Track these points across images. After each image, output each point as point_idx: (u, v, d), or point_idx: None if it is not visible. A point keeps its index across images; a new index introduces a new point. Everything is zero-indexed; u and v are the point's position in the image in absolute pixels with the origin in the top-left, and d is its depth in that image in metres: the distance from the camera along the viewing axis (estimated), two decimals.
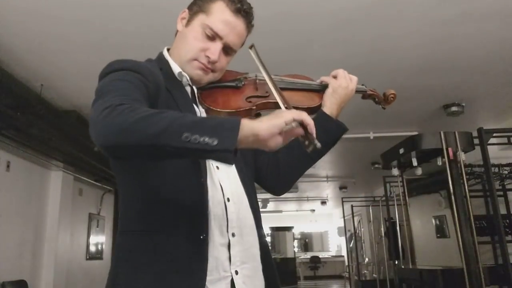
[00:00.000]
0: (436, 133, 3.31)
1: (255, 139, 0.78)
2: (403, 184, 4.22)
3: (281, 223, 13.73)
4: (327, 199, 10.98)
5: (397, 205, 4.89)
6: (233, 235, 0.98)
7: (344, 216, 8.84)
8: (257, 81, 1.17)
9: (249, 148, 0.83)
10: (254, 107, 1.11)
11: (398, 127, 4.89)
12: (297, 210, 14.17)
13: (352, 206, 8.59)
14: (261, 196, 8.68)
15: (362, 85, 1.30)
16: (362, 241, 9.88)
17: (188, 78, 1.07)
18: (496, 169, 3.84)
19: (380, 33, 2.91)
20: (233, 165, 1.06)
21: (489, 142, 3.25)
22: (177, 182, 0.95)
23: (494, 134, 3.43)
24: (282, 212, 14.19)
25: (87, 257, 6.26)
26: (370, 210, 8.18)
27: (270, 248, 1.16)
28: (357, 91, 1.26)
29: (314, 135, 0.83)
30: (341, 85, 1.19)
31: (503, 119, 4.67)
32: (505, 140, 3.55)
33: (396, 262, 5.62)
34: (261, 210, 1.15)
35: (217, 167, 1.02)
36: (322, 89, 1.22)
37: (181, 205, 0.94)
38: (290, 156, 1.19)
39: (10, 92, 3.39)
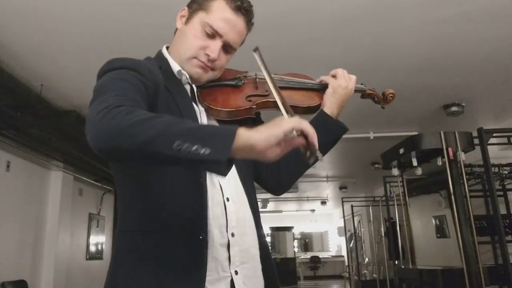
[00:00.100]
0: (436, 133, 3.31)
1: (251, 150, 0.74)
2: (403, 184, 4.22)
3: (281, 223, 13.73)
4: (327, 199, 10.98)
5: (397, 205, 4.88)
6: (232, 235, 0.98)
7: (344, 216, 8.84)
8: (257, 80, 1.16)
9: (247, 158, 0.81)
10: (254, 106, 1.11)
11: (398, 127, 4.89)
12: (297, 210, 14.17)
13: (352, 206, 8.59)
14: (261, 196, 8.68)
15: (361, 84, 1.30)
16: (362, 241, 9.87)
17: (188, 77, 1.06)
18: (496, 169, 3.83)
19: (380, 32, 2.91)
20: (234, 165, 1.06)
21: (489, 142, 3.24)
22: (176, 182, 0.95)
23: (494, 134, 3.42)
24: (282, 212, 14.18)
25: (87, 257, 6.26)
26: (370, 210, 8.18)
27: (270, 248, 1.15)
28: (356, 90, 1.26)
29: (316, 146, 0.78)
30: (341, 84, 1.19)
31: (503, 119, 4.67)
32: (505, 140, 3.55)
33: (396, 262, 5.62)
34: (261, 210, 1.14)
35: None
36: (322, 88, 1.22)
37: (180, 205, 0.94)
38: (290, 156, 1.19)
39: (10, 92, 3.39)
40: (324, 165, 7.15)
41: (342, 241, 13.61)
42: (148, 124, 0.73)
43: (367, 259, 9.56)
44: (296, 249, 14.44)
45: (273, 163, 1.20)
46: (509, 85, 3.77)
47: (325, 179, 8.20)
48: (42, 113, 3.79)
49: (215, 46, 1.04)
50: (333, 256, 14.87)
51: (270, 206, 11.41)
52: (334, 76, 1.21)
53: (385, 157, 4.07)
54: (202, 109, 1.08)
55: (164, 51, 1.12)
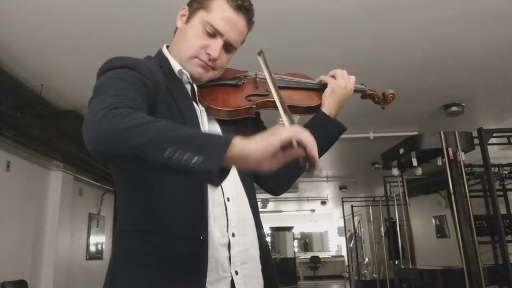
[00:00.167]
0: (436, 133, 3.31)
1: (246, 161, 0.71)
2: (403, 184, 4.22)
3: (281, 223, 13.73)
4: (327, 199, 10.98)
5: (397, 205, 4.88)
6: (233, 235, 0.98)
7: (344, 216, 8.84)
8: (257, 79, 1.16)
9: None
10: (254, 106, 1.11)
11: (398, 127, 4.89)
12: (297, 210, 14.17)
13: (352, 206, 8.59)
14: (261, 196, 8.67)
15: (361, 84, 1.30)
16: (362, 241, 9.88)
17: (188, 76, 1.06)
18: (496, 169, 3.84)
19: (380, 32, 2.91)
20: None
21: (489, 142, 3.25)
22: (176, 182, 0.94)
23: (494, 134, 3.43)
24: (282, 212, 14.19)
25: (87, 257, 6.26)
26: (370, 210, 8.18)
27: (270, 248, 1.15)
28: (356, 91, 1.26)
29: (316, 157, 0.74)
30: (340, 85, 1.19)
31: (503, 119, 4.67)
32: (505, 140, 3.55)
33: (396, 262, 5.62)
34: (261, 210, 1.14)
35: None
36: (321, 88, 1.22)
37: (180, 205, 0.93)
38: None
39: (10, 92, 3.39)
40: (324, 165, 7.15)
41: (342, 241, 13.61)
42: (144, 128, 0.71)
43: (367, 259, 9.56)
44: (296, 249, 14.44)
45: None
46: (509, 85, 3.77)
47: (325, 179, 8.20)
48: (42, 113, 3.79)
49: (216, 45, 1.03)
50: (333, 256, 14.87)
51: (270, 206, 11.41)
52: (333, 76, 1.21)
53: (385, 157, 4.07)
54: (202, 108, 1.08)
55: (165, 50, 1.12)
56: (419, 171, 3.79)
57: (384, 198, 5.60)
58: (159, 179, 0.95)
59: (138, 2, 2.49)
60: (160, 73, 1.01)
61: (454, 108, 4.20)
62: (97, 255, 6.57)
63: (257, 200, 1.15)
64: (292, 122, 0.93)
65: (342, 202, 8.38)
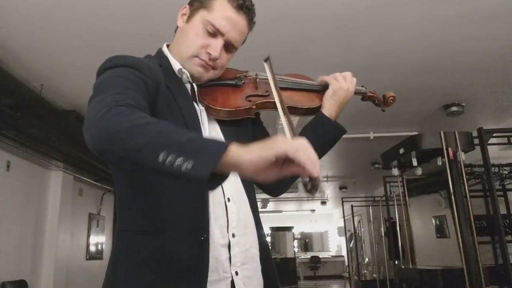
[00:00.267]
0: (436, 133, 3.31)
1: (240, 170, 0.70)
2: (403, 184, 4.22)
3: (281, 223, 13.73)
4: (327, 199, 10.99)
5: (397, 205, 4.88)
6: (233, 235, 0.97)
7: (344, 216, 8.84)
8: (258, 80, 1.16)
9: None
10: (254, 106, 1.11)
11: (398, 127, 4.89)
12: (297, 210, 14.18)
13: (352, 206, 8.59)
14: (261, 196, 8.66)
15: (362, 86, 1.30)
16: (362, 241, 9.88)
17: (188, 75, 1.06)
18: (496, 169, 3.84)
19: (380, 33, 2.90)
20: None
21: (489, 142, 3.24)
22: (176, 182, 0.93)
23: (494, 134, 3.42)
24: (282, 212, 14.19)
25: (87, 257, 6.26)
26: (370, 210, 8.18)
27: (270, 248, 1.15)
28: (357, 93, 1.26)
29: (318, 176, 0.70)
30: (342, 87, 1.18)
31: (503, 119, 4.67)
32: (505, 140, 3.55)
33: (396, 262, 5.62)
34: (261, 210, 1.14)
35: None
36: (322, 90, 1.22)
37: (180, 205, 0.93)
38: None
39: (10, 92, 3.39)
40: (324, 165, 7.15)
41: (342, 241, 13.60)
42: (141, 130, 0.71)
43: (367, 259, 9.56)
44: (296, 249, 14.43)
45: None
46: (509, 85, 3.77)
47: (325, 179, 8.20)
48: (42, 113, 3.79)
49: (216, 44, 1.03)
50: (333, 256, 14.87)
51: (270, 206, 11.41)
52: (334, 78, 1.21)
53: (385, 157, 4.07)
54: (202, 108, 1.08)
55: (165, 49, 1.11)
56: (419, 171, 3.79)
57: (384, 198, 5.60)
58: (159, 179, 0.94)
59: (138, 2, 2.49)
60: (160, 72, 1.01)
61: (454, 108, 4.20)
62: (97, 255, 6.57)
63: (257, 200, 1.15)
64: (291, 125, 0.92)
65: (342, 202, 8.38)
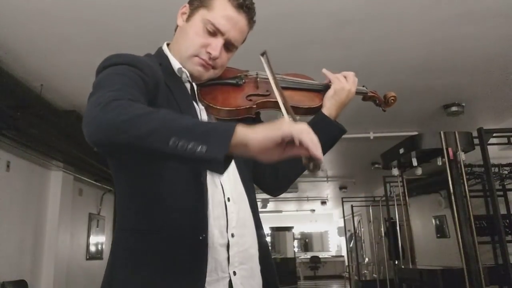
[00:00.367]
0: (436, 133, 3.31)
1: (246, 150, 0.71)
2: (403, 184, 4.21)
3: (281, 223, 13.73)
4: (327, 199, 10.99)
5: (397, 205, 4.88)
6: (232, 235, 0.97)
7: (344, 216, 8.84)
8: (258, 79, 1.16)
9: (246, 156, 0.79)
10: (254, 106, 1.10)
11: (398, 127, 4.89)
12: (297, 210, 14.17)
13: (352, 206, 8.59)
14: (261, 196, 8.66)
15: (363, 86, 1.30)
16: (362, 241, 9.88)
17: (188, 75, 1.06)
18: (496, 169, 3.83)
19: (380, 33, 2.91)
20: (234, 164, 1.05)
21: (489, 142, 3.24)
22: (176, 182, 0.94)
23: (494, 134, 3.43)
24: (282, 212, 14.19)
25: (87, 257, 6.26)
26: (370, 210, 8.18)
27: (270, 248, 1.15)
28: (358, 93, 1.26)
29: (321, 158, 0.72)
30: (344, 87, 1.18)
31: (503, 119, 4.67)
32: (505, 140, 3.55)
33: (396, 262, 5.62)
34: (261, 210, 1.14)
35: None
36: (323, 89, 1.22)
37: (179, 205, 0.93)
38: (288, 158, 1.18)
39: (10, 92, 3.39)
40: (324, 165, 7.14)
41: (342, 241, 13.61)
42: (146, 118, 0.71)
43: (367, 259, 9.56)
44: (296, 249, 14.44)
45: (271, 164, 1.21)
46: (509, 85, 3.77)
47: (325, 179, 8.20)
48: (42, 113, 3.79)
49: (216, 44, 1.03)
50: (333, 256, 14.88)
51: (270, 206, 11.41)
52: (337, 78, 1.20)
53: (385, 157, 4.07)
54: (202, 107, 1.08)
55: (165, 48, 1.11)
56: (419, 171, 3.79)
57: (384, 198, 5.60)
58: (159, 179, 0.94)
59: (138, 2, 2.49)
60: (160, 70, 1.00)
61: (454, 108, 4.20)
62: (97, 255, 6.57)
63: (257, 200, 1.15)
64: (292, 115, 0.92)
65: (342, 202, 8.37)
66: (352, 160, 6.86)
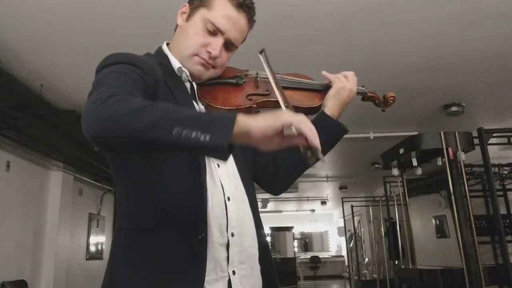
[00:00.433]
0: (436, 133, 3.31)
1: (247, 137, 0.74)
2: (403, 184, 4.21)
3: (281, 223, 13.73)
4: (327, 199, 10.98)
5: (397, 205, 4.88)
6: (232, 235, 0.97)
7: (344, 216, 8.84)
8: (258, 79, 1.16)
9: (246, 146, 0.79)
10: (254, 105, 1.11)
11: (398, 127, 4.89)
12: (297, 210, 14.17)
13: (352, 206, 8.59)
14: (261, 196, 8.67)
15: (362, 86, 1.30)
16: (362, 241, 9.88)
17: (188, 74, 1.06)
18: (496, 169, 3.84)
19: (380, 33, 2.91)
20: (234, 163, 1.06)
21: (489, 142, 3.24)
22: (176, 181, 0.94)
23: (494, 134, 3.43)
24: (282, 212, 14.19)
25: (87, 257, 6.26)
26: (370, 210, 8.18)
27: (270, 248, 1.15)
28: (358, 93, 1.26)
29: (318, 147, 0.75)
30: (345, 87, 1.18)
31: (503, 119, 4.67)
32: (505, 140, 3.55)
33: (396, 262, 5.62)
34: (261, 210, 1.14)
35: (218, 165, 1.01)
36: (323, 89, 1.22)
37: (179, 204, 0.93)
38: (289, 156, 1.18)
39: (10, 92, 3.39)
40: (324, 165, 7.15)
41: (342, 241, 13.61)
42: (146, 111, 0.72)
43: (367, 259, 9.56)
44: (296, 249, 14.44)
45: (272, 163, 1.21)
46: (509, 85, 3.77)
47: (325, 179, 8.20)
48: (42, 113, 3.79)
49: (216, 43, 1.03)
50: (333, 256, 14.88)
51: (270, 206, 11.40)
52: (338, 78, 1.20)
53: (385, 157, 4.07)
54: (202, 107, 1.08)
55: (165, 47, 1.11)
56: (419, 171, 3.78)
57: (384, 198, 5.60)
58: (159, 178, 0.94)
59: (138, 1, 2.49)
60: (159, 70, 1.01)
61: (454, 108, 4.21)
62: (97, 255, 6.57)
63: (257, 200, 1.15)
64: (290, 107, 0.93)
65: (342, 202, 8.38)
66: (352, 160, 6.86)
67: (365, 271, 9.22)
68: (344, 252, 13.13)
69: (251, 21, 1.09)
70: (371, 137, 5.06)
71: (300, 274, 13.30)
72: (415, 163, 3.61)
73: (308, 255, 14.89)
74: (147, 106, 0.74)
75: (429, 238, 6.60)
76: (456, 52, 3.18)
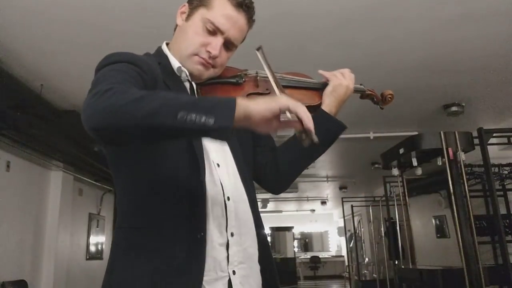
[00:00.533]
0: (436, 133, 3.31)
1: (247, 119, 0.77)
2: (403, 184, 4.21)
3: (281, 223, 13.73)
4: (327, 199, 10.98)
5: (397, 205, 4.88)
6: (232, 234, 0.97)
7: (344, 216, 8.84)
8: (258, 78, 1.16)
9: (246, 130, 0.81)
10: None
11: (398, 127, 4.89)
12: (297, 210, 14.17)
13: (352, 206, 8.59)
14: (261, 196, 8.68)
15: (361, 84, 1.30)
16: (362, 241, 9.88)
17: (188, 74, 1.06)
18: (496, 169, 3.83)
19: (380, 33, 2.91)
20: (234, 163, 1.06)
21: (489, 142, 3.24)
22: (175, 180, 0.94)
23: (494, 134, 3.43)
24: (282, 212, 14.19)
25: (87, 257, 6.26)
26: (370, 210, 8.18)
27: (270, 248, 1.15)
28: (356, 91, 1.26)
29: (312, 130, 0.80)
30: (342, 83, 1.18)
31: (503, 119, 4.67)
32: (505, 140, 3.55)
33: (396, 262, 5.62)
34: (261, 210, 1.14)
35: (218, 165, 1.01)
36: (322, 87, 1.22)
37: (178, 204, 0.93)
38: (289, 154, 1.18)
39: (10, 92, 3.39)
40: (324, 165, 7.15)
41: (342, 241, 13.61)
42: (148, 99, 0.74)
43: (367, 259, 9.56)
44: (296, 249, 14.44)
45: (272, 161, 1.21)
46: (509, 85, 3.77)
47: (325, 179, 8.20)
48: (42, 113, 3.79)
49: (216, 42, 1.03)
50: (333, 256, 14.87)
51: (270, 206, 11.40)
52: (334, 75, 1.21)
53: (385, 157, 4.07)
54: None
55: (164, 47, 1.12)
56: (419, 171, 3.79)
57: (384, 198, 5.60)
58: (158, 177, 0.94)
59: (138, 1, 2.49)
60: (159, 69, 1.01)
61: (454, 108, 4.20)
62: (97, 255, 6.56)
63: (257, 200, 1.15)
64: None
65: (342, 202, 8.38)
66: (352, 160, 6.86)
67: (365, 271, 9.22)
68: (344, 252, 13.13)
69: (250, 20, 1.09)
70: (371, 137, 5.06)
71: (300, 274, 13.30)
72: (415, 163, 3.61)
73: (308, 255, 14.88)
74: (145, 95, 0.76)
75: (429, 238, 6.60)
76: (456, 51, 3.18)
